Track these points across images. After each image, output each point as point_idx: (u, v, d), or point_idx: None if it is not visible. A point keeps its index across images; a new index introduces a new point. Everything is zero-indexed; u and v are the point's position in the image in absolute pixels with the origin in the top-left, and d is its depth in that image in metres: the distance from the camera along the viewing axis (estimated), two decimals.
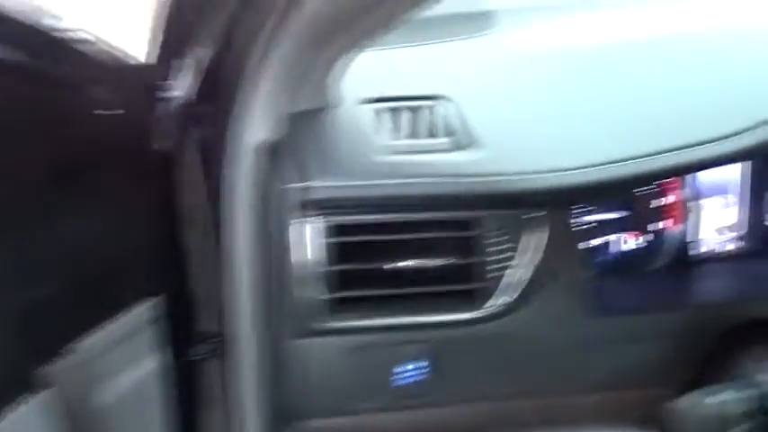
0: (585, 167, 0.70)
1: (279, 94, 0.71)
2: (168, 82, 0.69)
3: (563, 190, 0.70)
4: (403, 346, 0.72)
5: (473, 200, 0.71)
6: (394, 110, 0.75)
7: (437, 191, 0.70)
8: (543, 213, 0.73)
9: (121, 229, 0.64)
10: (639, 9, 0.91)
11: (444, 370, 0.74)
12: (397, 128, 0.74)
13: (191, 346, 0.73)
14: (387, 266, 0.72)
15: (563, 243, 0.76)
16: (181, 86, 0.69)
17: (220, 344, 0.71)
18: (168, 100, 0.69)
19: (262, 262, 0.70)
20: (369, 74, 0.79)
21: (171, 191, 0.71)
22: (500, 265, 0.73)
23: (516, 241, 0.74)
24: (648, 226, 0.92)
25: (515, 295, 0.73)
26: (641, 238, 0.92)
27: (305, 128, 0.72)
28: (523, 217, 0.74)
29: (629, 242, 0.91)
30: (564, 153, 0.71)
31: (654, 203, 0.92)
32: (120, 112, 0.67)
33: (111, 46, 0.66)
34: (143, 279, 0.68)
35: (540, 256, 0.73)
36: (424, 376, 0.72)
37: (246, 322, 0.69)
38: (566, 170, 0.70)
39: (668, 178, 0.84)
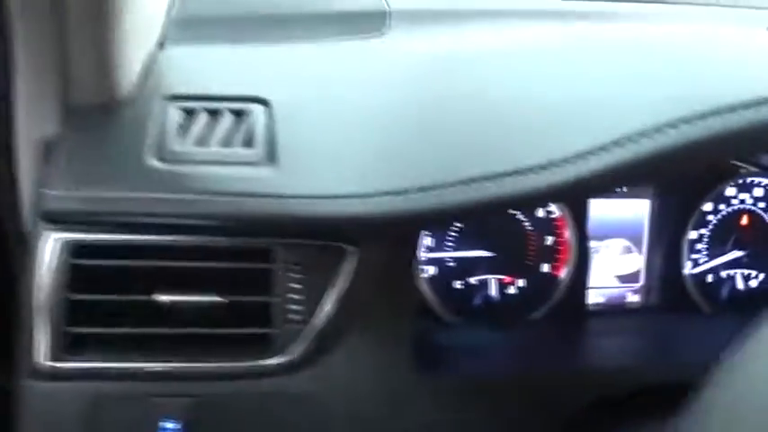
0: (402, 192, 0.55)
1: (50, 84, 0.59)
2: None
3: (373, 218, 0.55)
4: (166, 399, 0.58)
5: (269, 225, 0.57)
6: (192, 111, 0.61)
7: (223, 210, 0.56)
8: (357, 247, 0.59)
9: None
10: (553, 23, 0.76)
11: None
12: (196, 131, 0.60)
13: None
14: (152, 300, 0.58)
15: (386, 284, 0.61)
16: None
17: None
18: None
19: None
20: (192, 71, 0.66)
21: None
22: (298, 307, 0.59)
23: (322, 278, 0.59)
24: (523, 269, 0.77)
25: (316, 344, 0.58)
26: (516, 282, 0.78)
27: (83, 126, 0.59)
28: (333, 249, 0.59)
29: (493, 286, 0.77)
30: (384, 175, 0.56)
31: (534, 242, 0.77)
32: None
33: None
34: None
35: (352, 297, 0.59)
36: None
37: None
38: (379, 194, 0.55)
39: (508, 208, 0.68)
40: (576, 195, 0.54)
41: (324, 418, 0.60)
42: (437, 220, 0.58)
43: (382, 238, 0.59)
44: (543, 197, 0.53)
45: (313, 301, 0.59)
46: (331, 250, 0.59)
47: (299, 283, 0.58)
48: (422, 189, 0.55)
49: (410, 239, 0.63)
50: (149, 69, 0.63)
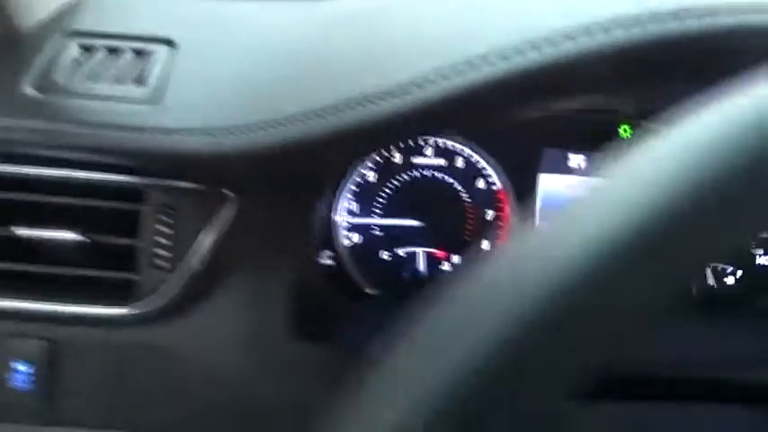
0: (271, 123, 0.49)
1: None
2: None
3: (233, 151, 0.50)
4: (19, 340, 0.54)
5: (139, 162, 0.53)
6: (91, 48, 0.58)
7: (87, 142, 0.52)
8: (235, 193, 0.54)
9: None
10: None
11: (64, 380, 0.55)
12: (89, 67, 0.57)
13: None
14: (10, 233, 0.54)
15: (272, 240, 0.56)
16: None
17: None
18: None
19: None
20: (116, 15, 0.63)
21: None
22: (166, 253, 0.54)
23: (195, 225, 0.54)
24: (459, 244, 0.70)
25: (182, 295, 0.54)
26: (451, 259, 0.71)
27: None
28: (210, 194, 0.55)
29: (421, 260, 0.70)
30: (256, 110, 0.51)
31: (472, 215, 0.70)
32: None
33: None
34: None
35: (229, 249, 0.54)
36: (35, 384, 0.54)
37: None
38: (249, 128, 0.50)
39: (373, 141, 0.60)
40: (441, 120, 0.49)
41: (186, 373, 0.55)
42: (297, 156, 0.52)
43: (263, 182, 0.54)
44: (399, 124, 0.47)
45: (183, 249, 0.54)
46: (207, 195, 0.54)
47: (169, 228, 0.54)
48: (267, 123, 0.50)
49: (302, 193, 0.58)
50: (74, 10, 0.61)
